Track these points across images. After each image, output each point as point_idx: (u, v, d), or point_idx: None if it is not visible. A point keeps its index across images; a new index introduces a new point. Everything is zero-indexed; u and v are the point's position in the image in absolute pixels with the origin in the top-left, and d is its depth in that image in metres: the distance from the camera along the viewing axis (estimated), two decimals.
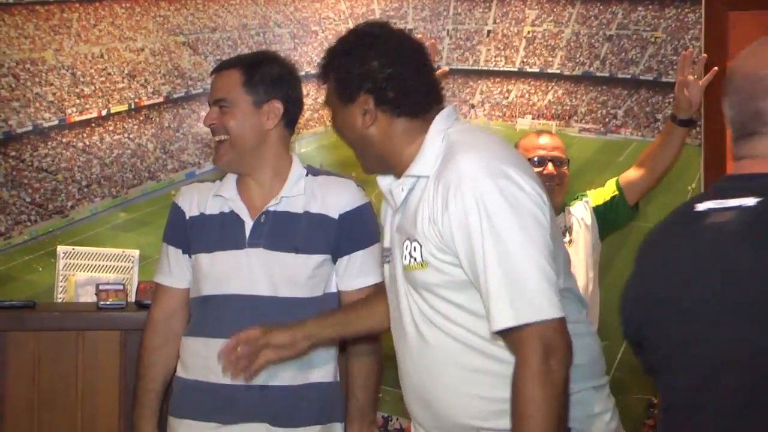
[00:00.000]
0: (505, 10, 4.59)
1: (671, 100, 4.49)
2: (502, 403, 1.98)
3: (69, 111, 4.35)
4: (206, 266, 2.79)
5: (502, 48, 4.59)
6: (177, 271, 2.87)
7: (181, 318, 2.89)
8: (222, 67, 2.83)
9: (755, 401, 1.66)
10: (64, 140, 4.33)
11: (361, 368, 2.89)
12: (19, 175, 4.26)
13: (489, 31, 4.60)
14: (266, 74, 2.81)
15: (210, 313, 2.78)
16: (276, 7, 4.50)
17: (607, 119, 4.56)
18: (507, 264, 1.94)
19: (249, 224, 2.77)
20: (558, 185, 3.65)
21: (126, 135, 4.39)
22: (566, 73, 4.57)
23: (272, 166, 2.82)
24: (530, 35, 4.59)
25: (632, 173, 3.82)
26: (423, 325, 2.15)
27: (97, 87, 4.39)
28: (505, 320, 1.94)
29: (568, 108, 4.56)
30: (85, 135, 4.36)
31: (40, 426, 3.32)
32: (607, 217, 3.81)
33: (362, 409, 2.88)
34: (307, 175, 2.85)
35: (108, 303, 3.47)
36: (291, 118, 2.85)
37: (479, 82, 4.56)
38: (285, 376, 2.73)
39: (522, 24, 4.59)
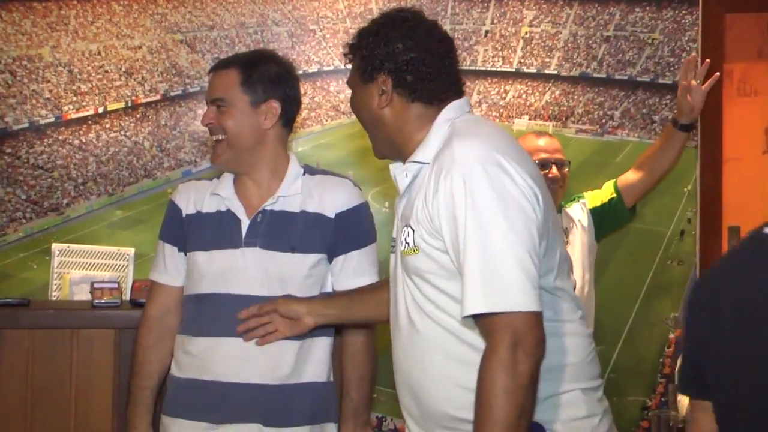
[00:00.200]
0: (502, 11, 4.59)
1: (668, 101, 4.49)
2: None
3: (65, 108, 4.35)
4: (202, 264, 2.79)
5: (499, 48, 4.59)
6: (173, 268, 2.87)
7: (176, 315, 2.89)
8: (219, 66, 2.83)
9: None
10: (60, 137, 4.32)
11: (356, 368, 2.89)
12: (14, 172, 4.25)
13: (486, 32, 4.60)
14: (264, 74, 2.81)
15: (204, 312, 2.78)
16: (274, 6, 4.50)
17: (603, 120, 4.56)
18: (485, 250, 1.95)
19: (245, 223, 2.77)
20: (561, 187, 3.66)
21: (122, 133, 4.38)
22: (563, 73, 4.57)
23: (270, 165, 2.82)
24: (528, 36, 4.59)
25: (631, 176, 3.83)
26: (414, 312, 2.16)
27: (94, 84, 4.38)
28: (475, 306, 1.95)
29: (565, 109, 4.56)
30: (81, 132, 4.35)
31: (34, 423, 3.31)
32: (604, 219, 3.82)
33: (356, 409, 2.88)
34: (304, 174, 2.86)
35: (103, 301, 3.47)
36: (289, 118, 2.85)
37: (477, 82, 4.55)
38: (278, 376, 2.73)
39: (519, 24, 4.59)
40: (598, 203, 3.82)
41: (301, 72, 2.95)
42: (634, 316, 4.39)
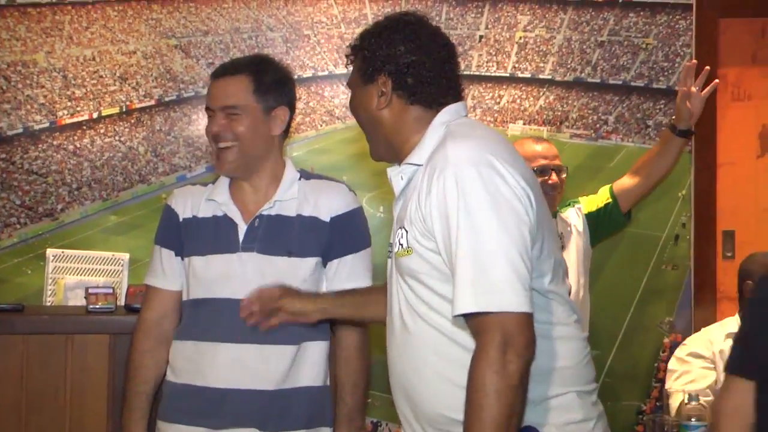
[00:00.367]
0: (497, 16, 4.59)
1: (662, 106, 4.50)
2: None
3: (60, 113, 4.34)
4: (199, 270, 2.79)
5: (493, 53, 4.59)
6: (170, 273, 2.87)
7: (172, 320, 2.89)
8: (227, 73, 2.81)
9: None
10: (54, 143, 4.32)
11: (350, 373, 2.89)
12: (9, 178, 4.24)
13: (481, 37, 4.60)
14: (273, 80, 2.82)
15: (201, 317, 2.78)
16: (268, 11, 4.50)
17: (598, 125, 4.56)
18: (477, 251, 1.96)
19: (242, 228, 2.77)
20: (558, 193, 3.67)
21: (117, 138, 4.38)
22: (558, 78, 4.58)
23: (271, 170, 2.84)
24: (522, 41, 4.59)
25: (627, 181, 3.84)
26: (407, 313, 2.17)
27: (89, 90, 4.38)
28: (466, 305, 1.95)
29: (559, 113, 4.57)
30: (75, 138, 4.34)
31: (29, 429, 3.32)
32: (599, 224, 3.83)
33: (350, 414, 2.88)
34: (300, 179, 2.86)
35: (97, 306, 3.47)
36: (289, 123, 2.87)
37: (471, 87, 4.56)
38: (275, 381, 2.73)
39: (514, 29, 4.60)
40: (593, 208, 3.83)
41: (295, 77, 2.94)
42: (628, 321, 4.40)
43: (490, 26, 4.59)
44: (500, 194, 1.99)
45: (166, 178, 4.38)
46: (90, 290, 3.55)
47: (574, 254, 3.71)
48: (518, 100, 4.58)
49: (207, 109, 2.81)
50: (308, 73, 4.43)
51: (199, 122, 4.37)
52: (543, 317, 2.08)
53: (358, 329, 2.90)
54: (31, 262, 4.22)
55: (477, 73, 4.58)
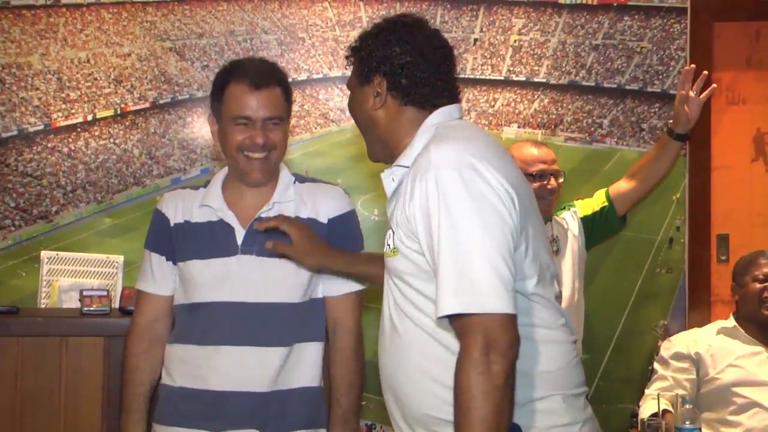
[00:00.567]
0: (491, 19, 4.60)
1: (656, 109, 4.51)
2: None
3: (54, 116, 4.34)
4: (196, 273, 2.79)
5: (488, 56, 4.60)
6: (160, 278, 2.87)
7: (165, 323, 2.89)
8: (269, 84, 2.78)
9: None
10: (49, 145, 4.31)
11: (345, 374, 2.89)
12: (3, 180, 4.24)
13: (475, 40, 4.61)
14: (291, 90, 2.88)
15: (198, 320, 2.78)
16: (263, 14, 4.50)
17: (592, 128, 4.57)
18: (458, 253, 1.97)
19: (240, 232, 2.78)
20: (556, 198, 3.68)
21: (112, 140, 4.37)
22: (552, 82, 4.58)
23: (276, 174, 2.86)
24: (517, 44, 4.60)
25: (623, 185, 3.84)
26: (395, 314, 2.18)
27: (83, 92, 4.37)
28: (447, 307, 1.97)
29: (554, 117, 4.57)
30: (70, 140, 4.34)
31: (23, 431, 3.31)
32: (595, 228, 3.83)
33: (345, 415, 2.89)
34: (294, 182, 2.88)
35: (92, 309, 3.47)
36: None
37: (465, 90, 4.56)
38: (274, 382, 2.75)
39: (508, 33, 4.60)
40: (589, 212, 3.84)
41: (290, 80, 2.94)
42: (623, 324, 4.40)
43: (484, 29, 4.60)
44: (482, 196, 2.00)
45: (161, 180, 4.38)
46: (84, 292, 3.55)
47: (569, 258, 3.72)
48: (513, 104, 4.58)
49: (238, 117, 2.76)
50: (303, 76, 4.43)
51: (193, 125, 4.37)
52: (526, 320, 2.09)
53: (353, 331, 2.91)
54: (25, 265, 4.21)
55: (472, 76, 4.59)
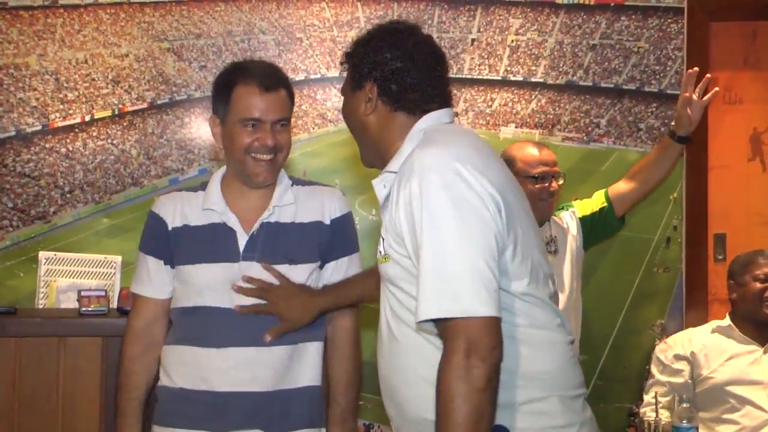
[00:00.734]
0: (489, 19, 4.60)
1: (654, 109, 4.52)
2: None
3: (52, 116, 4.34)
4: (196, 277, 2.78)
5: (486, 56, 4.60)
6: (157, 281, 2.86)
7: (161, 326, 2.89)
8: (278, 86, 2.80)
9: None
10: (47, 146, 4.32)
11: (343, 375, 2.90)
12: (1, 181, 4.24)
13: (473, 40, 4.61)
14: (293, 92, 2.89)
15: (198, 323, 2.78)
16: (261, 14, 4.51)
17: (590, 128, 4.58)
18: (439, 257, 1.98)
19: (243, 237, 2.78)
20: (556, 199, 3.69)
21: (109, 141, 4.38)
22: (550, 82, 4.59)
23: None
24: (514, 44, 4.60)
25: (623, 186, 3.85)
26: (392, 319, 2.19)
27: (81, 93, 4.38)
28: (427, 311, 1.98)
29: (551, 117, 4.58)
30: (68, 140, 4.34)
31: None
32: (594, 228, 3.84)
33: (343, 414, 2.90)
34: (292, 185, 2.88)
35: (90, 309, 3.47)
36: None
37: (463, 90, 4.57)
38: (277, 382, 2.76)
39: (506, 33, 4.61)
40: (588, 212, 3.84)
41: None
42: (620, 323, 4.41)
43: (482, 29, 4.60)
44: (464, 200, 2.01)
45: (159, 181, 4.38)
46: (82, 293, 3.55)
47: (567, 257, 3.72)
48: (510, 104, 4.59)
49: (247, 120, 2.76)
50: (300, 76, 4.43)
51: (191, 125, 4.38)
52: (520, 321, 2.09)
53: (351, 331, 2.93)
54: (23, 265, 4.21)
55: (469, 76, 4.59)
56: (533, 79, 4.59)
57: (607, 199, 3.84)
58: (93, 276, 3.90)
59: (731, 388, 3.69)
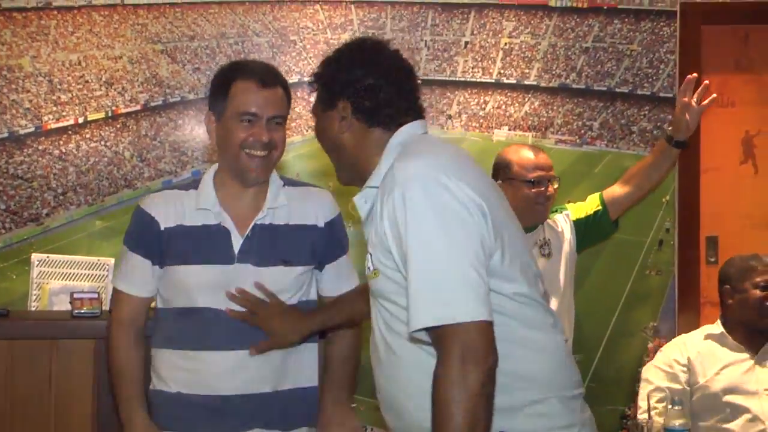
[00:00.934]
0: (482, 22, 4.61)
1: (646, 112, 4.53)
2: None
3: (45, 118, 4.34)
4: (190, 278, 2.77)
5: (479, 59, 4.61)
6: (143, 281, 2.84)
7: (142, 322, 2.88)
8: (275, 83, 2.81)
9: None
10: (40, 147, 4.31)
11: (341, 350, 2.98)
12: None
13: (466, 43, 4.62)
14: (291, 94, 2.90)
15: (191, 326, 2.77)
16: (255, 17, 4.51)
17: (582, 131, 4.59)
18: (427, 266, 1.98)
19: (237, 238, 2.78)
20: (551, 203, 3.69)
21: (103, 143, 4.38)
22: (543, 84, 4.60)
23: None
24: (507, 47, 4.61)
25: (618, 189, 3.85)
26: (387, 333, 2.18)
27: (74, 94, 4.37)
28: (420, 321, 1.97)
29: (544, 119, 4.59)
30: (61, 142, 4.34)
31: None
32: (588, 231, 3.84)
33: (340, 381, 2.96)
34: (284, 185, 2.88)
35: (82, 311, 3.46)
36: None
37: (456, 92, 4.58)
38: (275, 382, 2.78)
39: (499, 36, 4.62)
40: (582, 215, 3.84)
41: None
42: (613, 325, 4.41)
43: (475, 32, 4.61)
44: (448, 208, 2.01)
45: (152, 183, 4.38)
46: (75, 295, 3.55)
47: (561, 260, 3.72)
48: (503, 106, 4.60)
49: (244, 114, 2.76)
50: (294, 79, 4.44)
51: (185, 127, 4.38)
52: (514, 322, 2.09)
53: (354, 336, 3.00)
54: (16, 267, 4.21)
55: (462, 78, 4.60)
56: (526, 82, 4.60)
57: (602, 202, 3.84)
58: (86, 278, 3.89)
59: (727, 398, 3.67)
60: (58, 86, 4.36)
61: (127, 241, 2.89)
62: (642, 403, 3.78)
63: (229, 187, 2.82)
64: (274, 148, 2.78)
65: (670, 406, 3.03)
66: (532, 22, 4.61)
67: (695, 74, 3.70)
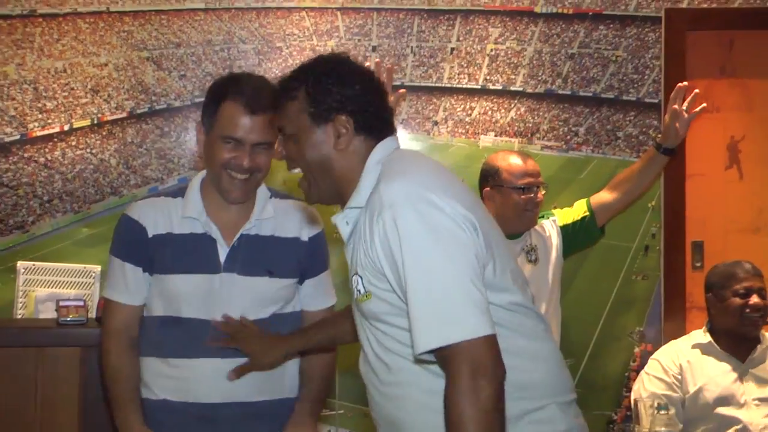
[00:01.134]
0: (468, 28, 4.62)
1: (632, 118, 4.54)
2: None
3: (31, 126, 4.33)
4: (176, 288, 2.77)
5: (465, 65, 4.62)
6: (135, 288, 2.83)
7: (135, 330, 2.86)
8: (266, 110, 2.73)
9: None
10: (25, 155, 4.30)
11: (315, 368, 2.96)
12: None
13: (452, 49, 4.63)
14: None
15: (177, 334, 2.77)
16: (240, 23, 4.51)
17: (568, 137, 4.60)
18: (427, 287, 1.96)
19: (224, 248, 2.78)
20: (539, 209, 3.70)
21: (89, 150, 4.37)
22: (529, 90, 4.61)
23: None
24: (493, 53, 4.62)
25: (605, 195, 3.86)
26: (382, 354, 2.17)
27: (60, 102, 4.37)
28: (428, 342, 1.95)
29: (530, 125, 4.60)
30: (47, 150, 4.33)
31: None
32: (575, 237, 3.85)
33: (317, 394, 2.95)
34: (271, 197, 2.88)
35: (68, 319, 3.46)
36: None
37: (442, 99, 4.58)
38: (258, 391, 2.79)
39: (485, 42, 4.63)
40: (569, 221, 3.85)
41: None
42: (599, 331, 4.42)
43: (461, 38, 4.62)
44: (440, 226, 2.00)
45: (138, 190, 4.38)
46: (61, 303, 3.54)
47: (548, 266, 3.73)
48: (489, 112, 4.61)
49: (228, 137, 2.73)
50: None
51: (171, 134, 4.37)
52: (509, 332, 2.08)
53: (328, 357, 3.00)
54: (1, 275, 4.19)
55: (449, 85, 4.61)
56: (512, 88, 4.61)
57: (589, 208, 3.85)
58: (72, 286, 3.88)
59: (718, 409, 3.67)
60: (44, 94, 4.35)
61: (115, 250, 2.88)
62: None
63: (216, 197, 2.82)
64: (258, 171, 2.77)
65: (656, 412, 3.04)
66: (517, 28, 4.62)
67: (686, 83, 3.71)
